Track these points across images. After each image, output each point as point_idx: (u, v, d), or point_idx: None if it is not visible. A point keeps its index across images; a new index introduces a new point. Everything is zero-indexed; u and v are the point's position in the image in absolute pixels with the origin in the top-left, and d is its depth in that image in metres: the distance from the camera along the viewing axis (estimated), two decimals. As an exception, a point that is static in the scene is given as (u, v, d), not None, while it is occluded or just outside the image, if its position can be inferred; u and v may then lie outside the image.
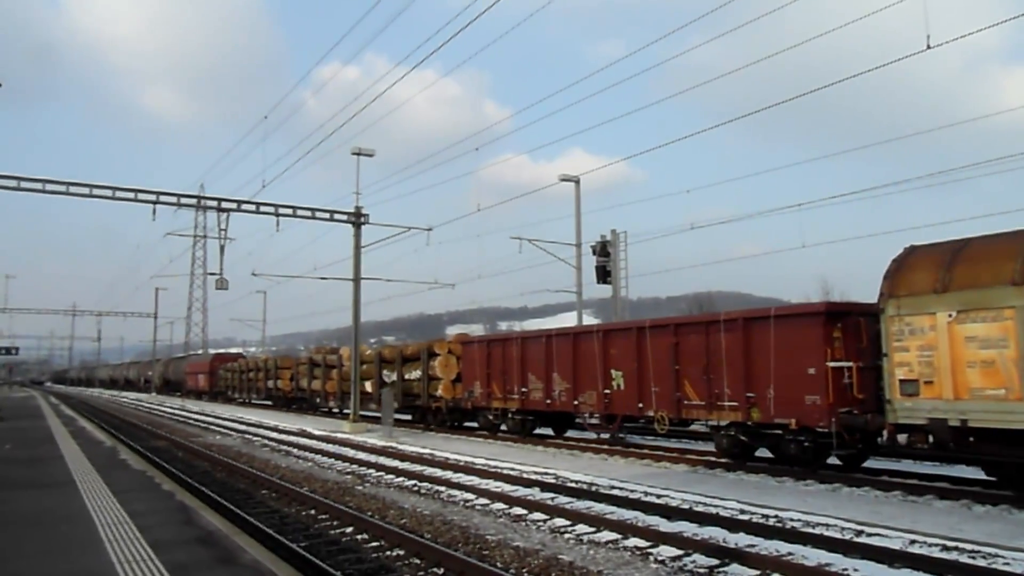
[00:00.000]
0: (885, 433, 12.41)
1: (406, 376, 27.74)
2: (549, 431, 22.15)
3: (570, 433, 21.73)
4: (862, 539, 8.76)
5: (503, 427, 22.78)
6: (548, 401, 20.26)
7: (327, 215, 26.95)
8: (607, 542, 9.12)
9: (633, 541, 9.07)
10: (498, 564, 8.17)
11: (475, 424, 24.64)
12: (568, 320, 30.97)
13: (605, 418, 18.70)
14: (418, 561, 8.40)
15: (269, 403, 44.98)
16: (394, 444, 21.12)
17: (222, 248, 26.41)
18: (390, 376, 28.93)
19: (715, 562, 8.09)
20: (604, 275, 27.71)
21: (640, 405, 17.13)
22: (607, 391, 18.18)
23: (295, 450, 20.53)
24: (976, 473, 13.26)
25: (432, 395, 25.91)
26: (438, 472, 15.32)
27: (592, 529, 9.75)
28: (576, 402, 19.24)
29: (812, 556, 8.19)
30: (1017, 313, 10.66)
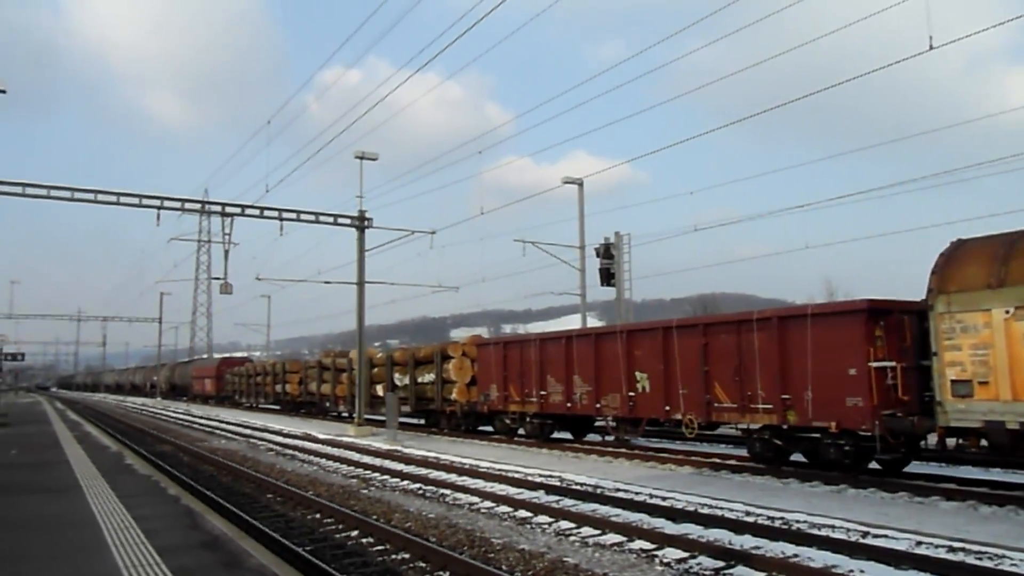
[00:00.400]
0: (935, 437, 11.93)
1: (419, 379, 27.24)
2: (567, 435, 21.56)
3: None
4: (868, 540, 8.74)
5: (520, 431, 22.25)
6: (568, 404, 19.70)
7: (331, 219, 27.00)
8: (612, 544, 9.11)
9: (639, 543, 9.06)
10: (503, 567, 8.17)
11: (490, 428, 24.16)
12: (572, 323, 30.99)
13: (629, 421, 18.11)
14: (423, 564, 8.40)
15: (277, 408, 44.68)
16: (399, 447, 21.13)
17: (226, 253, 26.51)
18: (402, 379, 28.47)
19: (721, 564, 8.08)
20: (608, 277, 27.72)
21: (667, 408, 16.60)
22: (631, 393, 17.63)
23: (300, 454, 20.54)
24: (981, 474, 13.25)
25: (446, 398, 25.41)
26: (443, 475, 15.32)
27: (597, 531, 9.75)
28: (598, 405, 18.67)
29: (818, 558, 8.17)
30: None
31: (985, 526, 9.57)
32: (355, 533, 10.11)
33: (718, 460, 15.99)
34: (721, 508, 10.94)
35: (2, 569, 6.83)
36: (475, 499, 12.44)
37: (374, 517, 11.09)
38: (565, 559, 8.41)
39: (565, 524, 10.26)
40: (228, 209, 25.62)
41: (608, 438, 19.74)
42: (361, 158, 26.57)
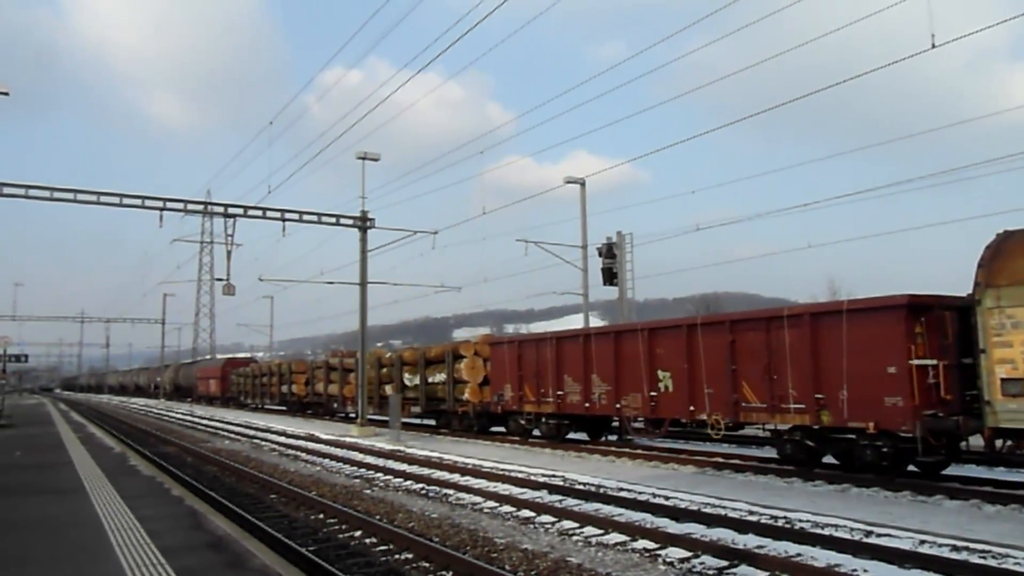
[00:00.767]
0: (982, 438, 11.55)
1: (429, 379, 26.90)
2: (583, 436, 21.13)
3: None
4: (871, 540, 8.73)
5: (535, 432, 21.75)
6: (587, 405, 19.17)
7: (333, 219, 27.03)
8: (615, 544, 9.11)
9: (642, 543, 9.06)
10: (507, 567, 8.18)
11: (502, 429, 23.80)
12: (575, 322, 31.01)
13: (651, 422, 17.56)
14: (427, 564, 8.41)
15: (283, 408, 44.25)
16: (402, 448, 21.15)
17: (229, 253, 26.53)
18: (412, 379, 28.15)
19: (724, 563, 8.08)
20: (610, 277, 27.72)
21: (691, 408, 16.06)
22: (653, 393, 17.09)
23: (303, 454, 20.57)
24: (986, 473, 13.20)
25: (458, 399, 25.06)
26: (446, 475, 15.34)
27: (600, 531, 9.75)
28: (618, 405, 18.14)
29: (821, 557, 8.16)
30: None
31: (989, 525, 9.55)
32: (358, 533, 10.12)
33: (721, 460, 15.98)
34: (724, 507, 10.94)
35: (7, 570, 6.85)
36: (478, 499, 12.45)
37: (377, 517, 11.10)
38: (568, 559, 8.41)
39: (568, 524, 10.26)
40: (231, 210, 25.65)
41: (628, 439, 19.35)
42: (363, 159, 26.60)
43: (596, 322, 29.51)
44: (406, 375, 28.71)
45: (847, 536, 8.93)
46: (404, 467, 16.88)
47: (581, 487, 13.03)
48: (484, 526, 10.38)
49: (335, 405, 36.57)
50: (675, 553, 8.55)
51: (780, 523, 9.80)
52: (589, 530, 9.85)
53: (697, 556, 8.39)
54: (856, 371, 12.85)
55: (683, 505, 11.20)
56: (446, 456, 18.43)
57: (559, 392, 20.17)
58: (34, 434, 25.28)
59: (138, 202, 23.73)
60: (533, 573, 7.96)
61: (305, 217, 26.33)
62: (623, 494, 12.26)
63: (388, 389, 29.40)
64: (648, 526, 9.80)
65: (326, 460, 19.02)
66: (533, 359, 21.26)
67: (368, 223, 27.49)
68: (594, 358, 19.04)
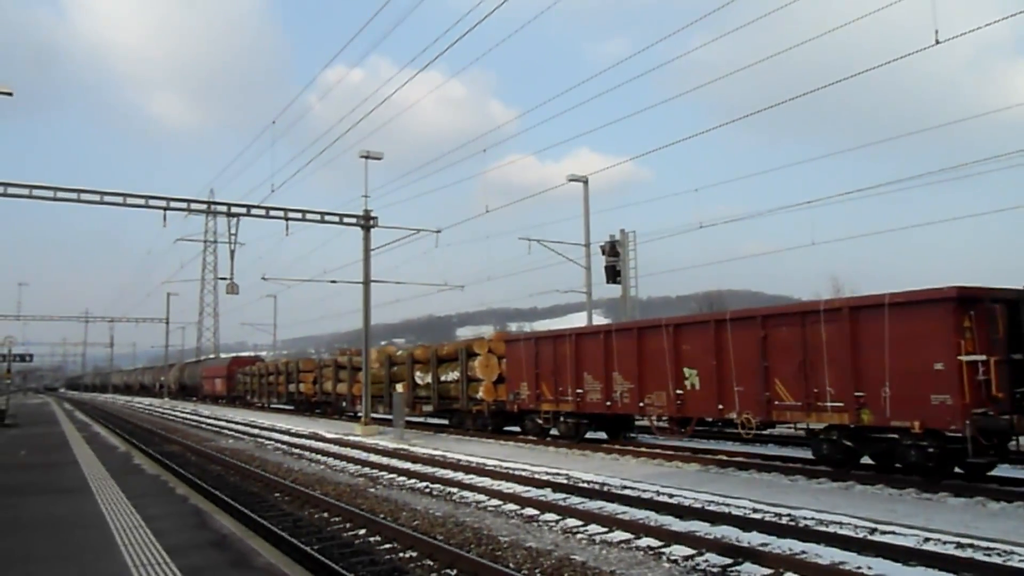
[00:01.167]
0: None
1: (442, 378, 26.41)
2: (602, 435, 20.71)
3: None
4: (876, 537, 8.72)
5: (553, 431, 21.32)
6: (608, 403, 18.62)
7: (336, 218, 27.04)
8: (619, 542, 9.11)
9: (646, 541, 9.06)
10: (511, 565, 8.18)
11: (516, 429, 23.39)
12: (578, 320, 31.03)
13: (677, 421, 17.08)
14: (431, 563, 8.42)
15: (291, 408, 43.81)
16: (406, 446, 21.17)
17: (232, 253, 26.60)
18: (424, 378, 27.68)
19: (728, 561, 8.08)
20: (613, 275, 27.72)
21: (720, 406, 15.52)
22: (679, 391, 16.54)
23: (307, 453, 20.60)
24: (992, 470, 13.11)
25: (472, 397, 24.57)
26: (450, 474, 15.35)
27: (604, 529, 9.75)
28: (642, 404, 17.58)
29: (826, 554, 8.16)
30: None
31: (994, 522, 9.54)
32: (363, 531, 10.13)
33: (725, 457, 15.98)
34: (728, 505, 10.94)
35: (12, 569, 6.88)
36: (482, 497, 12.46)
37: (381, 515, 11.12)
38: (572, 556, 8.42)
39: (572, 522, 10.27)
40: (234, 209, 25.69)
41: (652, 439, 18.95)
42: (366, 157, 26.61)
43: (599, 320, 29.51)
44: (417, 373, 28.28)
45: (851, 534, 8.92)
46: (408, 465, 16.90)
47: (585, 485, 13.04)
48: (488, 524, 10.40)
49: (344, 404, 36.14)
50: (679, 551, 8.55)
51: (784, 521, 9.79)
52: (593, 528, 9.85)
53: (701, 554, 8.39)
54: (900, 368, 12.29)
55: (687, 503, 11.20)
56: (450, 454, 18.44)
57: (578, 390, 19.64)
58: (39, 433, 25.36)
59: (142, 202, 23.77)
60: (537, 571, 7.96)
61: (308, 216, 26.35)
62: (627, 492, 12.26)
63: (399, 388, 28.95)
64: (652, 524, 9.81)
65: (330, 459, 19.04)
66: (551, 356, 20.74)
67: (371, 222, 27.50)
68: (616, 355, 18.53)
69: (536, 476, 14.17)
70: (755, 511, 10.47)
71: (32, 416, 37.75)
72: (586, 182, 28.64)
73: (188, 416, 42.00)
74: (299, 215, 26.11)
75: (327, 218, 26.79)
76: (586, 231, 28.66)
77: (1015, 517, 9.93)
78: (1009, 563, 7.53)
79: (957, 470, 12.57)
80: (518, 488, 13.17)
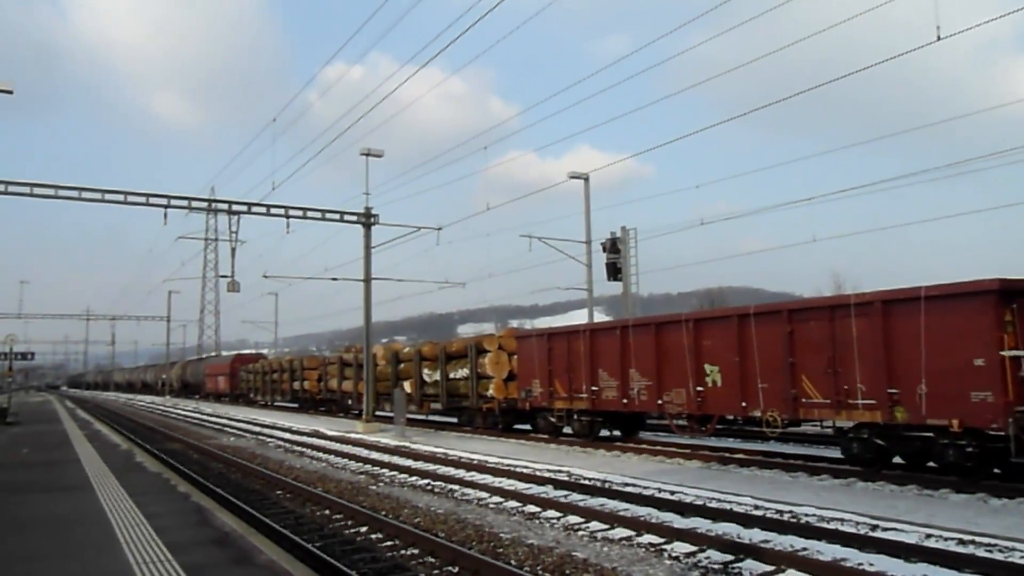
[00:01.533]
0: None
1: (451, 375, 26.03)
2: (616, 434, 20.18)
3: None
4: (877, 534, 8.73)
5: (566, 430, 20.86)
6: (624, 401, 18.09)
7: (337, 216, 27.04)
8: (621, 539, 9.12)
9: (647, 537, 9.07)
10: (512, 562, 8.19)
11: (527, 427, 23.07)
12: (579, 317, 31.00)
13: (697, 419, 16.53)
14: (433, 560, 8.43)
15: (295, 406, 43.37)
16: (407, 444, 21.19)
17: (233, 251, 26.59)
18: (432, 375, 27.32)
19: (729, 558, 8.08)
20: (614, 272, 27.69)
21: (743, 404, 15.03)
22: (700, 388, 16.07)
23: (308, 451, 20.62)
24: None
25: (482, 395, 24.14)
26: (451, 471, 15.36)
27: (606, 526, 9.75)
28: (660, 401, 17.05)
29: (827, 551, 8.16)
30: None
31: (995, 519, 9.54)
32: (364, 529, 10.14)
33: (727, 455, 15.98)
34: (729, 502, 10.95)
35: (15, 566, 6.89)
36: (483, 494, 12.47)
37: (383, 513, 11.13)
38: (574, 554, 8.42)
39: (573, 519, 10.27)
40: (235, 207, 25.69)
41: (671, 437, 18.62)
42: (367, 155, 26.60)
43: (600, 317, 29.49)
44: (425, 371, 27.89)
45: (853, 530, 8.92)
46: (409, 463, 16.91)
47: (586, 482, 13.05)
48: (490, 521, 10.40)
49: (349, 402, 35.73)
50: (681, 548, 8.56)
51: (786, 517, 9.80)
52: (595, 525, 9.86)
53: (703, 551, 8.39)
54: (937, 364, 11.83)
55: (688, 500, 11.20)
56: (451, 452, 18.46)
57: (593, 387, 19.13)
58: (41, 431, 25.40)
59: (142, 199, 23.79)
60: (539, 568, 7.97)
61: (309, 214, 26.36)
62: (628, 489, 12.26)
63: (407, 385, 28.70)
64: (654, 521, 9.82)
65: (331, 456, 19.06)
66: (564, 353, 20.21)
67: (372, 219, 27.50)
68: (632, 351, 18.00)
69: (537, 473, 14.18)
70: (756, 508, 10.47)
71: (34, 414, 37.80)
72: (587, 179, 28.61)
73: (190, 414, 42.05)
74: (300, 213, 26.12)
75: (328, 216, 26.80)
76: (587, 228, 28.64)
77: (1017, 513, 9.93)
78: (1011, 559, 7.54)
79: (996, 471, 12.18)
80: (519, 485, 13.18)
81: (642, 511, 10.58)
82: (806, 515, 9.89)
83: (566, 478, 13.60)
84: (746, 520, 9.67)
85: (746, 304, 16.09)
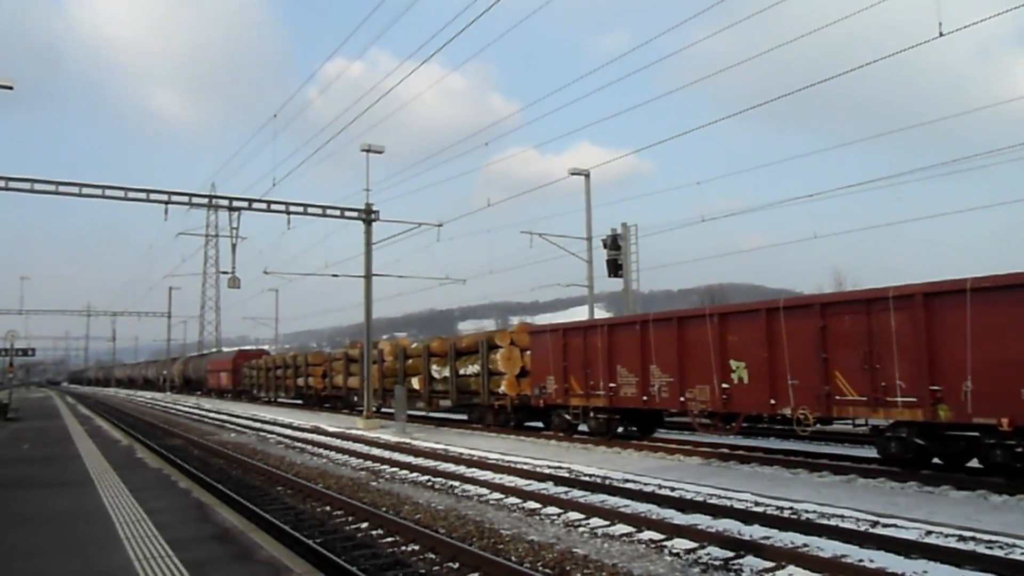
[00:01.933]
0: None
1: (460, 371, 25.43)
2: (634, 431, 19.50)
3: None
4: (878, 530, 8.73)
5: (582, 427, 20.22)
6: (644, 398, 17.48)
7: (338, 212, 27.05)
8: (621, 535, 9.12)
9: (647, 534, 9.07)
10: (513, 558, 8.19)
11: (539, 424, 22.69)
12: (580, 314, 31.01)
13: (723, 417, 15.87)
14: (433, 556, 8.43)
15: (299, 402, 43.02)
16: (408, 440, 21.20)
17: (234, 247, 26.61)
18: (440, 371, 26.84)
19: (730, 554, 8.08)
20: (615, 268, 27.70)
21: (772, 401, 14.43)
22: (725, 385, 15.48)
23: (309, 447, 20.64)
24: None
25: (494, 392, 23.56)
26: (452, 467, 15.36)
27: (606, 522, 9.76)
28: (683, 398, 16.45)
29: (828, 547, 8.16)
30: None
31: (996, 515, 9.54)
32: (365, 525, 10.15)
33: (727, 451, 15.98)
34: (730, 498, 10.94)
35: (16, 562, 6.89)
36: (484, 490, 12.47)
37: (383, 509, 11.13)
38: (574, 550, 8.43)
39: (574, 515, 10.28)
40: (235, 203, 25.71)
41: (694, 436, 18.41)
42: (367, 151, 26.60)
43: (601, 314, 29.47)
44: (434, 367, 27.48)
45: (853, 527, 8.92)
46: (410, 459, 16.92)
47: (587, 478, 13.06)
48: (490, 517, 10.41)
49: (355, 399, 35.31)
50: (681, 544, 8.56)
51: (786, 514, 9.80)
52: (595, 521, 9.86)
53: (703, 547, 8.40)
54: (984, 359, 11.26)
55: (689, 496, 11.20)
56: (452, 448, 18.47)
57: (611, 384, 18.48)
58: (42, 427, 25.43)
59: (143, 195, 23.80)
60: (539, 564, 7.97)
61: (310, 210, 26.37)
62: (629, 485, 12.26)
63: (414, 382, 28.37)
64: (654, 517, 9.82)
65: (332, 452, 19.08)
66: (580, 348, 19.55)
67: (373, 216, 27.51)
68: (653, 347, 17.36)
69: (538, 470, 14.19)
70: (757, 504, 10.48)
71: (35, 410, 37.84)
72: (588, 176, 28.59)
73: (191, 410, 42.08)
74: (300, 209, 26.13)
75: (328, 212, 26.81)
76: (588, 225, 28.65)
77: (1017, 510, 9.94)
78: (1011, 556, 7.53)
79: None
80: (520, 482, 13.18)
81: (642, 507, 10.59)
82: (807, 511, 9.89)
83: (566, 474, 13.61)
84: (746, 516, 9.67)
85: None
